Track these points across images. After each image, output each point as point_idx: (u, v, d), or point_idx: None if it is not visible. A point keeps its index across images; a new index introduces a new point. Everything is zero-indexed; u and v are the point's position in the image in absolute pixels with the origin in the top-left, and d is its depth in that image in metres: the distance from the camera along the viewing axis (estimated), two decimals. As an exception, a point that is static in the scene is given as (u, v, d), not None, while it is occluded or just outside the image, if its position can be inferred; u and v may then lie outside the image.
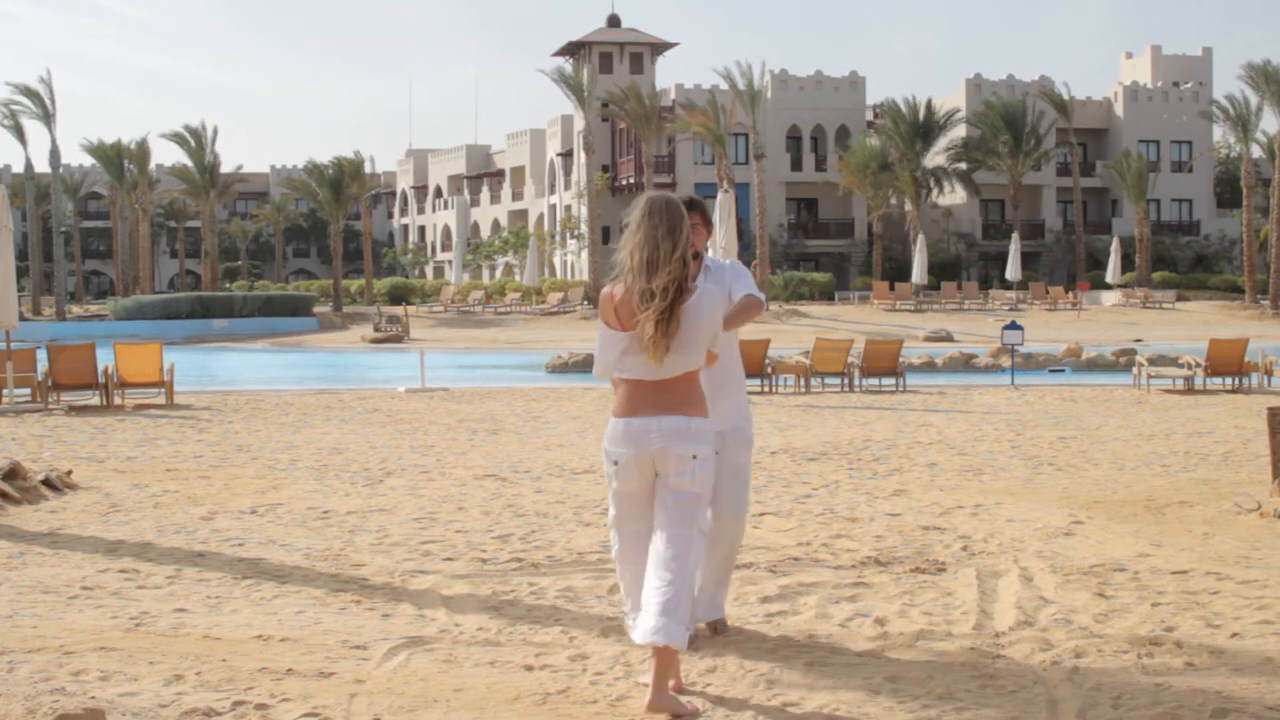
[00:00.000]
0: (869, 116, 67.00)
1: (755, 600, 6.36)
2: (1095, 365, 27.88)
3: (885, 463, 11.82)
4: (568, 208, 68.20)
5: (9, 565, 7.31)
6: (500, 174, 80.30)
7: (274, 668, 5.23)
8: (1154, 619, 5.96)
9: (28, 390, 18.18)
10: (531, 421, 16.01)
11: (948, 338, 40.33)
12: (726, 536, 5.61)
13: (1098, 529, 8.32)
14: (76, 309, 60.57)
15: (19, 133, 56.89)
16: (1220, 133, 64.35)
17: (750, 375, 19.13)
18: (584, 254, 62.03)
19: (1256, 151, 56.11)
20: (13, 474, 9.76)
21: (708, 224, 5.65)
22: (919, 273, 52.75)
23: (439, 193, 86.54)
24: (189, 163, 62.93)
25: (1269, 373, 21.15)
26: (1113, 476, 10.82)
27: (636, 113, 55.41)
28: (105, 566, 7.27)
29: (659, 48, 66.84)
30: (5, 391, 17.67)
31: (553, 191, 72.16)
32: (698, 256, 5.52)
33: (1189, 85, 69.10)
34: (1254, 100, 53.13)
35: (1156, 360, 23.09)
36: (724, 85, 54.97)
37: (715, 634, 5.68)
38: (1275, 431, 9.22)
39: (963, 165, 61.48)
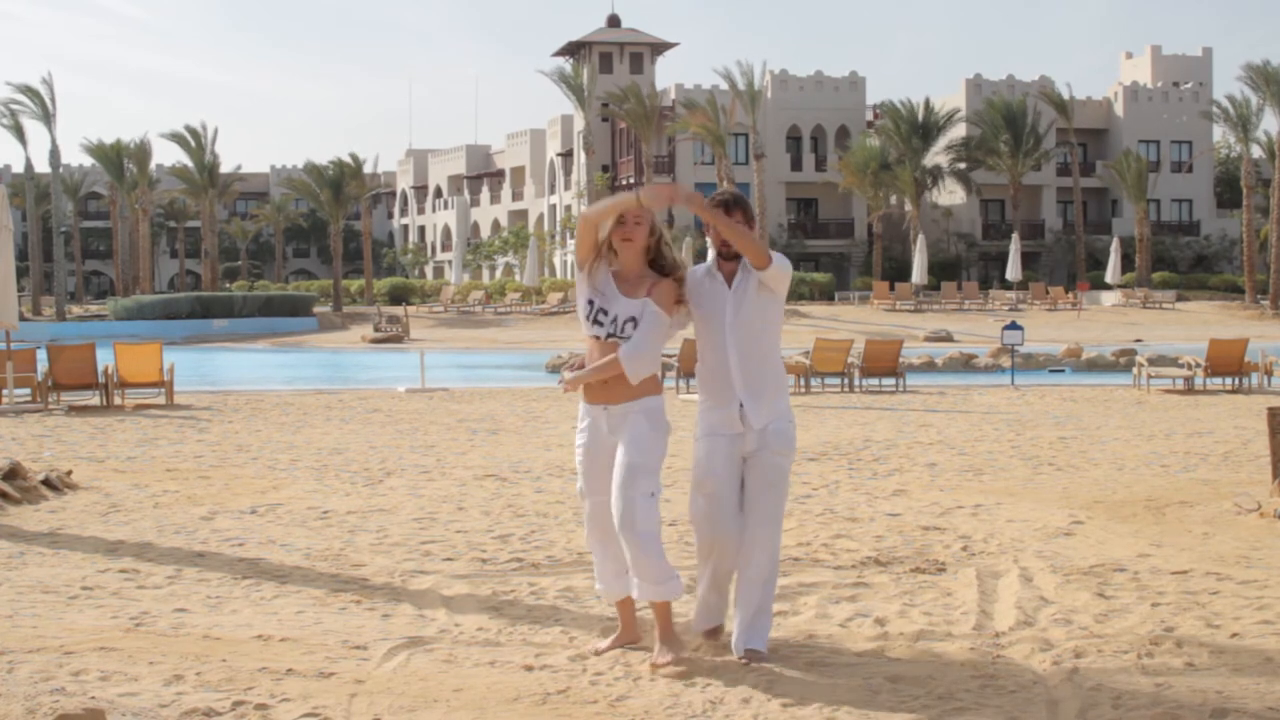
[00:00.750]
0: (869, 116, 66.99)
1: (755, 600, 6.36)
2: (1095, 365, 27.87)
3: (885, 463, 11.82)
4: (568, 208, 68.20)
5: (9, 565, 7.31)
6: (500, 174, 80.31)
7: (274, 668, 5.23)
8: (1154, 619, 5.96)
9: (28, 390, 18.18)
10: (531, 421, 16.01)
11: (948, 338, 40.33)
12: (760, 546, 5.34)
13: (1098, 529, 8.32)
14: (76, 309, 60.56)
15: (19, 133, 56.90)
16: (1220, 133, 64.39)
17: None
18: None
19: (1256, 151, 56.12)
20: (13, 474, 9.76)
21: (750, 221, 5.50)
22: (919, 273, 52.75)
23: (439, 193, 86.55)
24: (189, 163, 62.96)
25: (1269, 373, 21.15)
26: (1113, 476, 10.82)
27: (636, 113, 55.43)
28: (105, 566, 7.27)
29: (659, 48, 66.86)
30: (5, 391, 17.68)
31: (553, 191, 72.18)
32: (738, 256, 5.43)
33: (1189, 85, 69.09)
34: (1254, 100, 53.15)
35: (1156, 360, 23.09)
36: (724, 85, 54.99)
37: (752, 661, 5.26)
38: (1275, 431, 9.22)
39: (962, 165, 61.48)
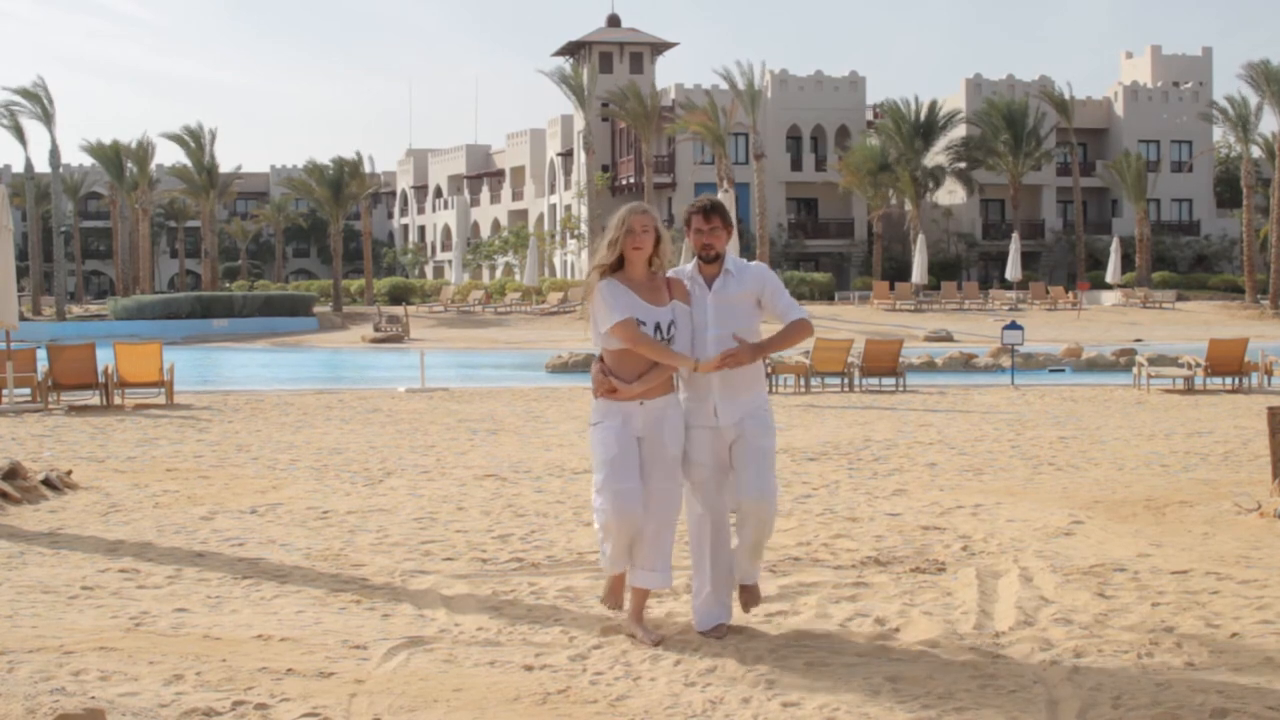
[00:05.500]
0: (869, 116, 66.94)
1: (755, 600, 6.36)
2: (1095, 365, 27.87)
3: (885, 463, 11.82)
4: (568, 208, 68.19)
5: (9, 565, 7.31)
6: (500, 174, 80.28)
7: (274, 668, 5.23)
8: (1154, 619, 5.96)
9: (28, 390, 18.19)
10: (531, 421, 16.01)
11: (948, 338, 40.33)
12: (752, 518, 5.60)
13: (1098, 529, 8.32)
14: (76, 309, 60.54)
15: (19, 133, 56.89)
16: (1220, 133, 64.37)
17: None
18: (584, 254, 62.02)
19: (1256, 152, 56.09)
20: (13, 474, 9.76)
21: (728, 227, 5.66)
22: (919, 273, 52.74)
23: (439, 193, 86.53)
24: (189, 163, 62.94)
25: (1269, 373, 21.15)
26: (1113, 476, 10.82)
27: (636, 113, 55.42)
28: (105, 566, 7.27)
29: (659, 48, 66.83)
30: (5, 391, 17.68)
31: (553, 191, 72.16)
32: (718, 258, 5.58)
33: (1189, 85, 69.07)
34: (1254, 100, 53.13)
35: (1156, 360, 23.08)
36: (724, 85, 54.97)
37: (745, 599, 5.80)
38: (1275, 431, 9.22)
39: (963, 165, 61.47)
